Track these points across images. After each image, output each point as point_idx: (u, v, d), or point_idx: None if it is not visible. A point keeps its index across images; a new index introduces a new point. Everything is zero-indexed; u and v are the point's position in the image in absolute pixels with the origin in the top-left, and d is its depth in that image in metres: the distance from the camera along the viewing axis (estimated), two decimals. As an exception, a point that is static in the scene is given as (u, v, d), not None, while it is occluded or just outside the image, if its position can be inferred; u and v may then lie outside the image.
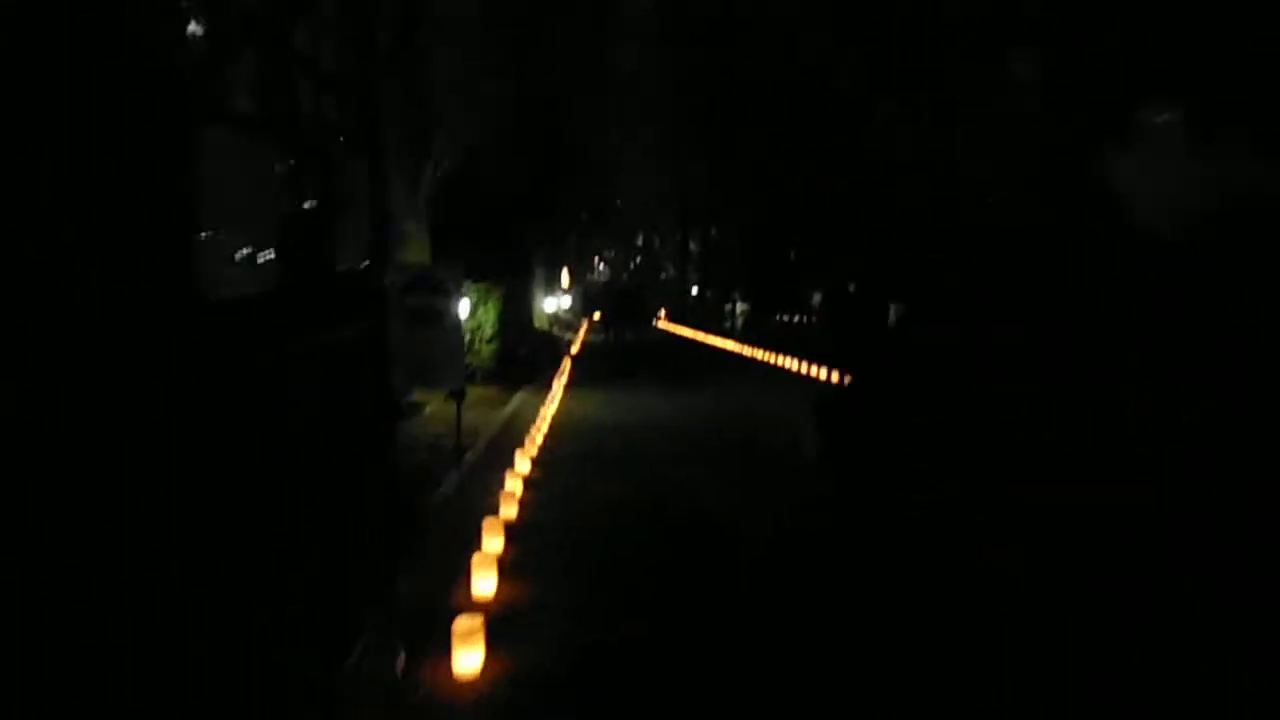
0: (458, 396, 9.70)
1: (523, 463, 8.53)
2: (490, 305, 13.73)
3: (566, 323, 46.11)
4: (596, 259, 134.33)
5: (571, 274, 72.48)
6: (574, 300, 58.89)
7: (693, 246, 55.58)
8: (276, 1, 8.81)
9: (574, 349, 27.50)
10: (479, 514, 6.33)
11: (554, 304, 41.28)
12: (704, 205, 44.29)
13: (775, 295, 32.27)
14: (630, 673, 4.25)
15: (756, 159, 29.50)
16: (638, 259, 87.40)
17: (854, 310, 24.43)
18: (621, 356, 25.22)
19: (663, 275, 76.44)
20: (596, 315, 52.11)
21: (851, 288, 26.68)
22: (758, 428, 11.58)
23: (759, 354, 23.75)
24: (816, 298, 36.26)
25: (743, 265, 34.10)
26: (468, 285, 13.24)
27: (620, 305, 40.36)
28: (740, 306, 34.92)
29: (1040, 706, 3.95)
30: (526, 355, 19.32)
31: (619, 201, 50.47)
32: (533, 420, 11.30)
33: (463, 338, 12.62)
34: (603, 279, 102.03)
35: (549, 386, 15.14)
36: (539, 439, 10.21)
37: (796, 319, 35.54)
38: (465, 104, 15.68)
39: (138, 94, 3.71)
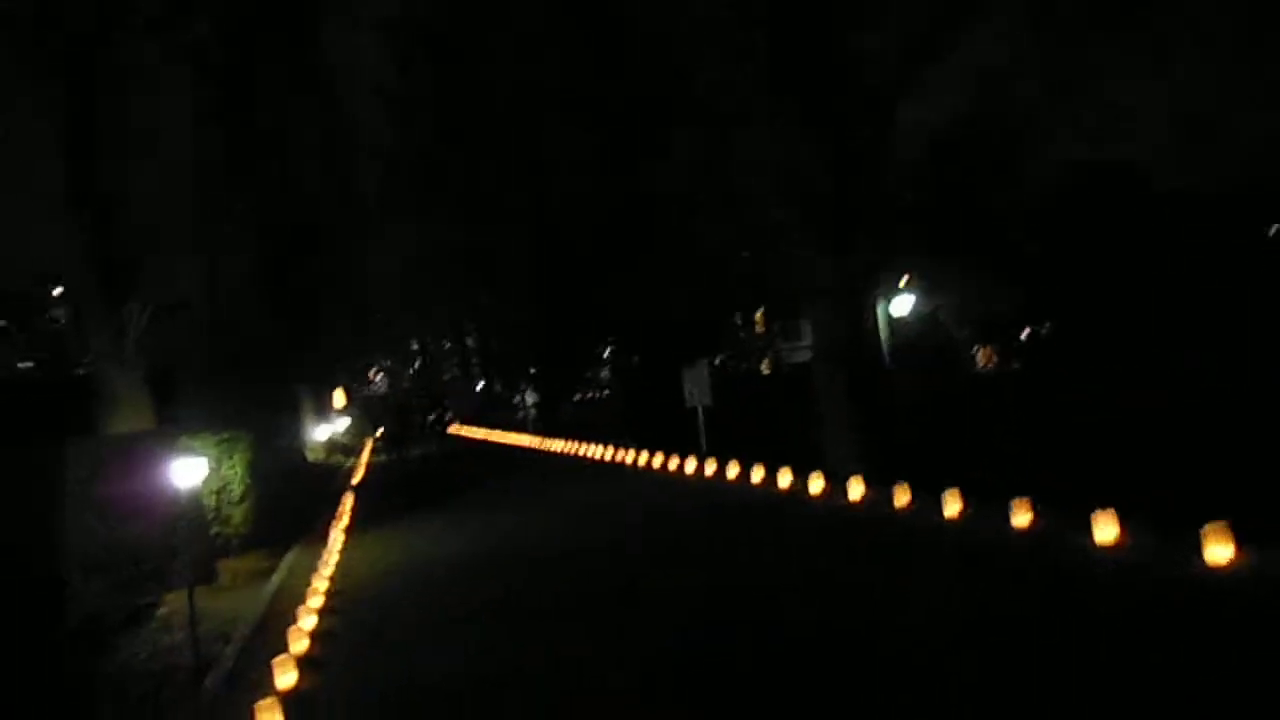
0: (190, 588, 7.45)
1: (285, 673, 6.46)
2: (237, 458, 11.31)
3: (346, 447, 42.52)
4: (373, 371, 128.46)
5: (347, 392, 68.07)
6: (353, 420, 54.99)
7: (470, 342, 53.87)
8: None
9: (356, 478, 24.71)
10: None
11: (327, 430, 37.82)
12: (473, 302, 42.83)
13: (562, 379, 31.13)
14: None
15: (515, 243, 28.52)
16: (416, 364, 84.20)
17: (644, 382, 23.70)
18: (411, 478, 22.86)
19: (447, 376, 73.72)
20: (379, 432, 48.69)
21: (635, 360, 26.06)
22: (582, 552, 10.08)
23: (558, 445, 22.32)
24: (605, 373, 35.58)
25: (526, 355, 32.82)
26: (205, 439, 10.84)
27: (402, 420, 37.79)
28: (530, 398, 33.49)
29: None
30: (296, 501, 16.69)
31: (380, 314, 47.73)
32: (304, 594, 9.09)
33: (201, 511, 10.22)
34: (380, 391, 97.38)
35: (327, 537, 12.80)
36: (310, 624, 8.08)
37: (591, 396, 34.59)
38: (175, 230, 13.39)
39: None
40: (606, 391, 33.23)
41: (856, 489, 9.86)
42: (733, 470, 12.77)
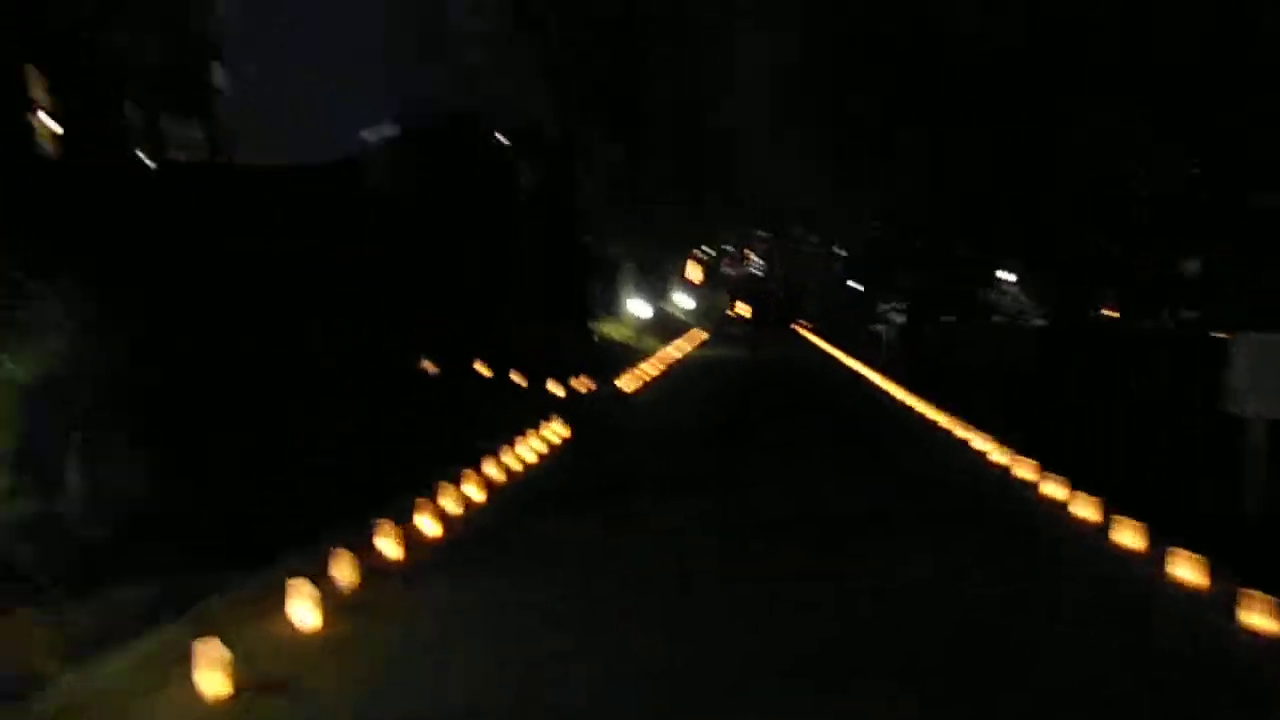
0: None
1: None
2: None
3: (676, 328, 37.27)
4: (748, 250, 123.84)
5: (705, 267, 63.25)
6: (699, 299, 49.97)
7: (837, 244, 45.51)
8: None
9: (629, 382, 18.47)
10: None
11: (648, 307, 32.60)
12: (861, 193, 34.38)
13: (943, 293, 22.37)
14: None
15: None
16: (767, 251, 77.80)
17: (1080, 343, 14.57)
18: (666, 428, 16.23)
19: (825, 269, 65.76)
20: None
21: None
22: None
23: (912, 401, 14.25)
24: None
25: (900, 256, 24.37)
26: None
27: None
28: (894, 319, 24.99)
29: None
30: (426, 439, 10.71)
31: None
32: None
33: None
34: (746, 272, 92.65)
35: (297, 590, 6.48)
36: None
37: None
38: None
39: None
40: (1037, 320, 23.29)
41: None
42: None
